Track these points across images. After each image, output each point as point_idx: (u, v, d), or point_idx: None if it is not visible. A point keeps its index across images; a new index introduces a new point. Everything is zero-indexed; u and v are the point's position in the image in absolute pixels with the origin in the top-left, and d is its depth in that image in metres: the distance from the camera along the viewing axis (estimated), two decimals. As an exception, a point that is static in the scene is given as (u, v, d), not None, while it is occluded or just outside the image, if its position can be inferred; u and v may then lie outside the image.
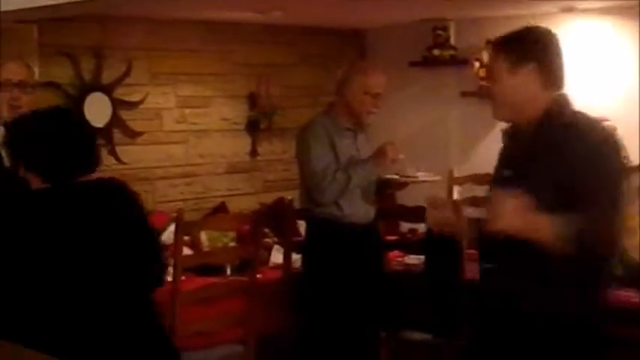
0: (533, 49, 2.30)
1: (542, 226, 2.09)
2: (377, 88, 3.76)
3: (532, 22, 5.96)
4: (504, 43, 2.33)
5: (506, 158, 2.41)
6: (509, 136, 2.42)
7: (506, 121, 2.38)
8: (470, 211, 3.73)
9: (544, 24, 5.97)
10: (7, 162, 3.02)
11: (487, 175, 5.46)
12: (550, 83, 2.30)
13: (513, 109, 2.30)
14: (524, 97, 2.28)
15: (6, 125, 2.79)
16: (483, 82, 5.59)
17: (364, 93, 3.73)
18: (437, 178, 3.95)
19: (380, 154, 3.76)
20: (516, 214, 2.06)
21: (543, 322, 2.20)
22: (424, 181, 3.95)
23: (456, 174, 5.70)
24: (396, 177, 3.98)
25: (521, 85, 2.27)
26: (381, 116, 3.89)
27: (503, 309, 2.29)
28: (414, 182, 3.96)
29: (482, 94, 5.61)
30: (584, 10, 5.17)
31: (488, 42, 5.52)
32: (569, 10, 5.15)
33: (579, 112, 2.30)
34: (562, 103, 2.30)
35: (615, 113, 5.00)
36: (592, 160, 2.15)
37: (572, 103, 2.32)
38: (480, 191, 5.57)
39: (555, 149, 2.19)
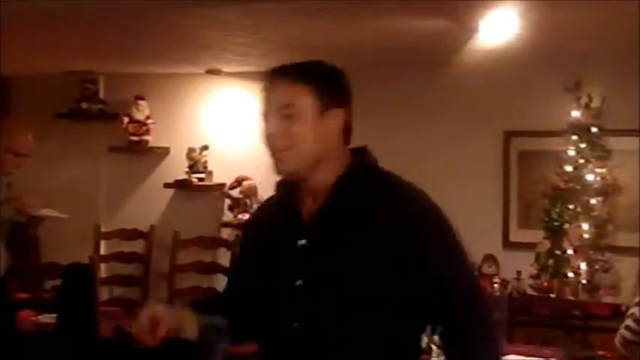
0: (345, 91, 1.84)
1: None
2: (21, 149, 3.71)
3: (179, 82, 6.07)
4: (312, 75, 1.79)
5: (287, 224, 1.85)
6: (286, 198, 1.88)
7: (296, 176, 1.82)
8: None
9: (191, 84, 6.13)
10: None
11: (135, 230, 5.53)
12: (349, 133, 1.85)
13: (312, 161, 1.79)
14: (327, 147, 1.80)
15: None
16: (133, 137, 5.62)
17: (7, 152, 3.67)
18: (64, 215, 3.96)
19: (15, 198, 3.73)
20: None
21: None
22: (54, 217, 3.91)
23: (104, 229, 5.63)
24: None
25: (328, 131, 1.79)
26: (24, 167, 3.78)
27: None
28: (45, 217, 3.91)
29: (132, 149, 5.64)
30: (229, 74, 5.43)
31: (137, 97, 5.58)
32: (215, 72, 5.39)
33: (383, 171, 1.88)
34: (366, 159, 1.87)
35: (256, 173, 5.29)
36: (435, 228, 1.80)
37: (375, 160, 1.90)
38: (127, 246, 5.56)
39: (381, 215, 1.76)
